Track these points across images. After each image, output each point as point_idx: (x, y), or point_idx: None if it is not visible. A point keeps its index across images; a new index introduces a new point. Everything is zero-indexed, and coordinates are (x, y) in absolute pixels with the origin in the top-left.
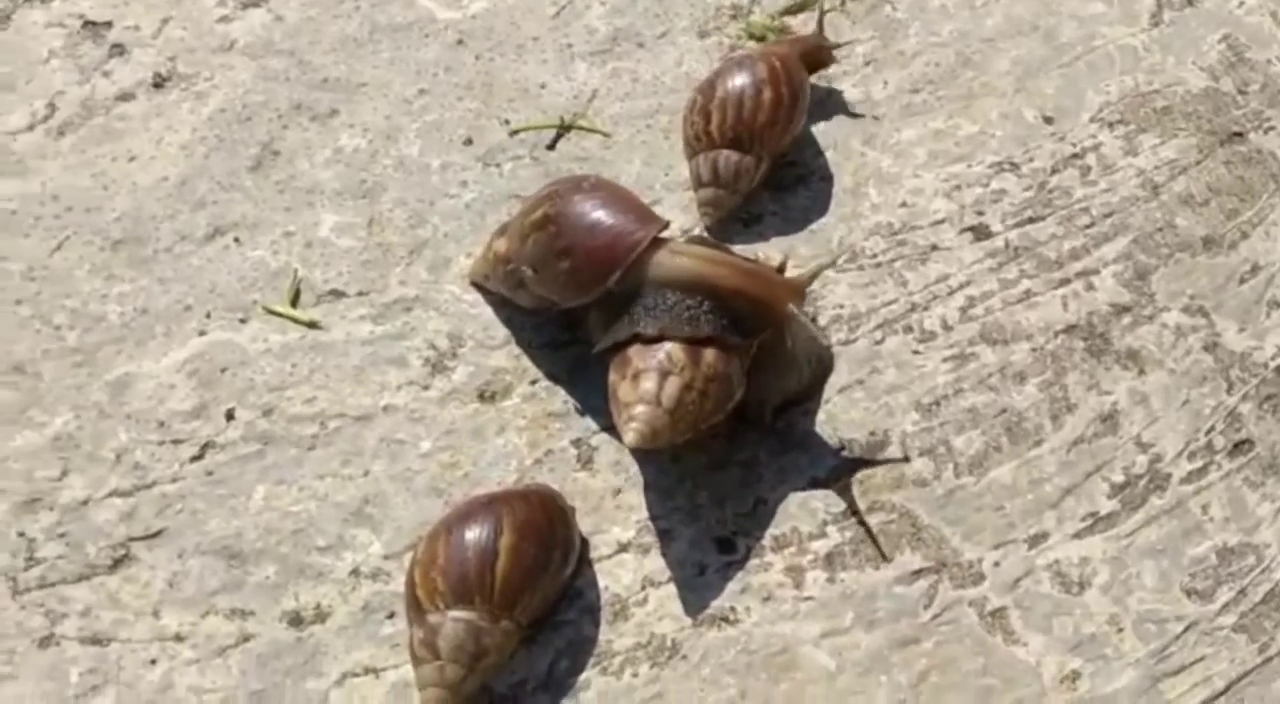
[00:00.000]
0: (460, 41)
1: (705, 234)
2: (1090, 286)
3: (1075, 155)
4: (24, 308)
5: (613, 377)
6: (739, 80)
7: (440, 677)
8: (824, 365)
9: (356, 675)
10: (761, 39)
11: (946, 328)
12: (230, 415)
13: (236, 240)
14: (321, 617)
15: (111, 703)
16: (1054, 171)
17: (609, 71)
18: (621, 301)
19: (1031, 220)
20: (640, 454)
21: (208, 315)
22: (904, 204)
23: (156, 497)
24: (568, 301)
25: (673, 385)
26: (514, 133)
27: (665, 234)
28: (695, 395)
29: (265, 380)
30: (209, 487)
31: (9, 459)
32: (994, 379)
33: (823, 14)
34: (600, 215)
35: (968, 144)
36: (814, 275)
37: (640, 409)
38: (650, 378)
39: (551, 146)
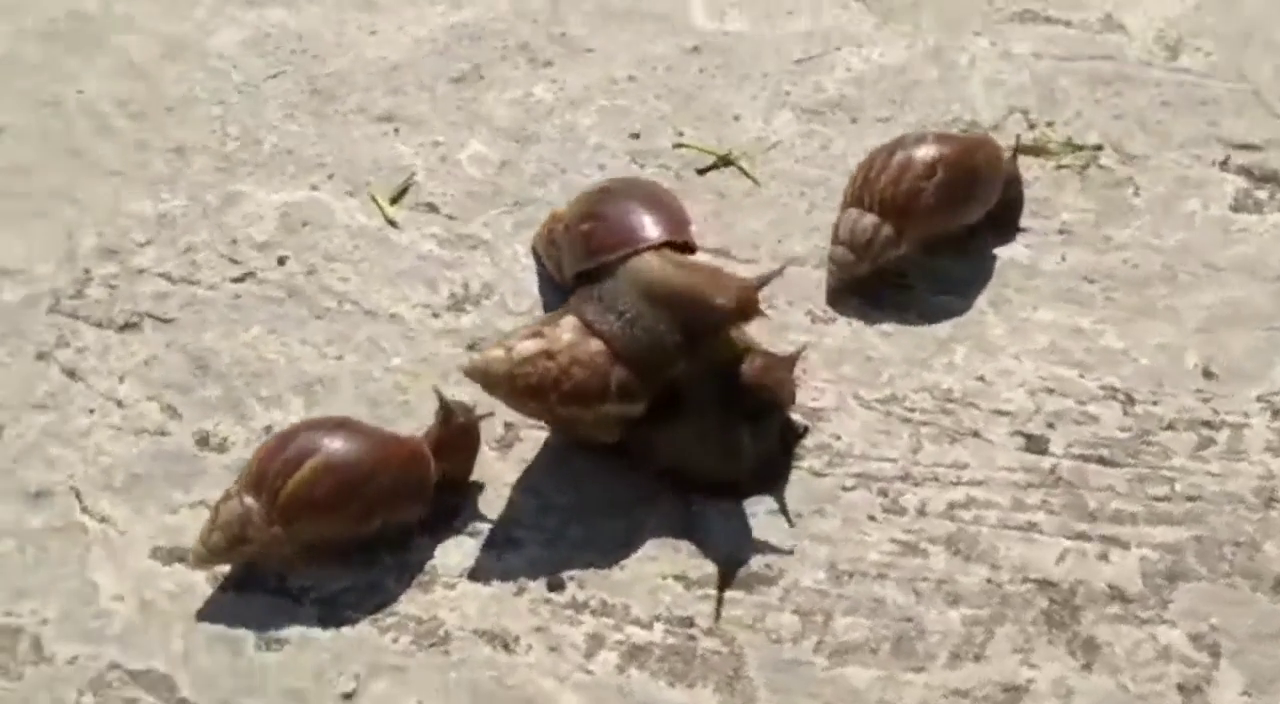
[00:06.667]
0: (695, 49)
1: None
2: (1105, 557)
3: (1207, 423)
4: (216, 108)
5: None
6: (917, 152)
7: (206, 537)
8: (760, 477)
9: (200, 505)
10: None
11: (920, 512)
12: (281, 261)
13: (396, 131)
14: (222, 448)
15: (47, 419)
16: (1169, 428)
17: (806, 131)
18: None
19: (1101, 462)
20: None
21: (329, 177)
22: (981, 378)
23: (189, 294)
24: (572, 265)
25: (534, 344)
26: (677, 146)
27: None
28: (553, 367)
29: (326, 247)
30: (228, 307)
31: (120, 215)
32: (924, 586)
33: (1016, 150)
34: (644, 205)
35: (1098, 356)
36: (764, 281)
37: (495, 350)
38: (527, 331)
39: (701, 172)
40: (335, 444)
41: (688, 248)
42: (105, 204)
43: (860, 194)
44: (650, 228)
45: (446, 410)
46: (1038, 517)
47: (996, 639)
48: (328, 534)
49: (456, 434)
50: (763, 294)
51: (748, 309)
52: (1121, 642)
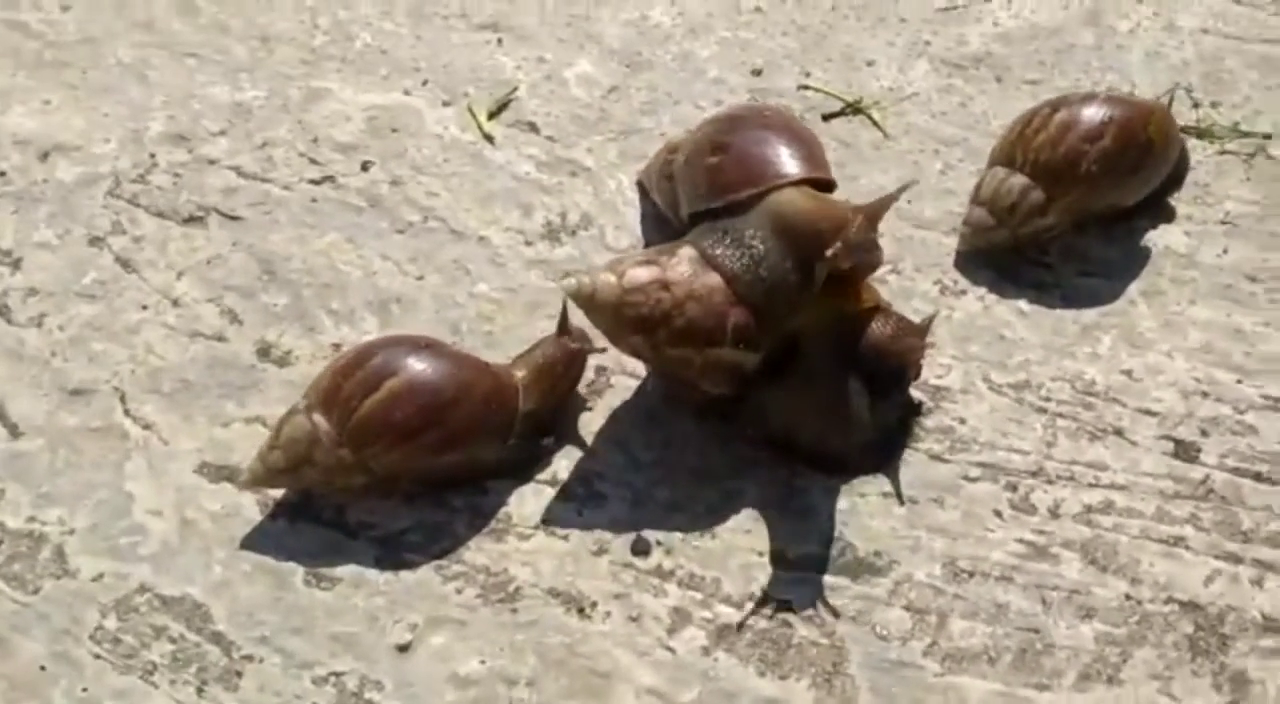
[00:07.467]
0: None
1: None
2: (1259, 583)
3: None
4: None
5: None
6: (1084, 111)
7: (265, 455)
8: (873, 454)
9: (256, 422)
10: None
11: (1053, 514)
12: (365, 167)
13: (500, 41)
14: (284, 361)
15: (94, 311)
16: None
17: (944, 85)
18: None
19: (1258, 478)
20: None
21: (424, 83)
22: (1128, 372)
23: (262, 191)
24: (691, 202)
25: (648, 272)
26: (803, 87)
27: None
28: (666, 299)
29: (414, 157)
30: (302, 210)
31: (194, 99)
32: (1055, 595)
33: (1171, 100)
34: (781, 137)
35: (1260, 362)
36: (883, 205)
37: (605, 274)
38: (641, 257)
39: (826, 118)
40: (419, 366)
41: (829, 187)
42: (178, 87)
43: (1012, 151)
44: (788, 162)
45: (564, 325)
46: (1185, 531)
47: (1133, 662)
48: (399, 464)
49: (561, 360)
50: (887, 258)
51: (852, 229)
52: (1275, 679)
